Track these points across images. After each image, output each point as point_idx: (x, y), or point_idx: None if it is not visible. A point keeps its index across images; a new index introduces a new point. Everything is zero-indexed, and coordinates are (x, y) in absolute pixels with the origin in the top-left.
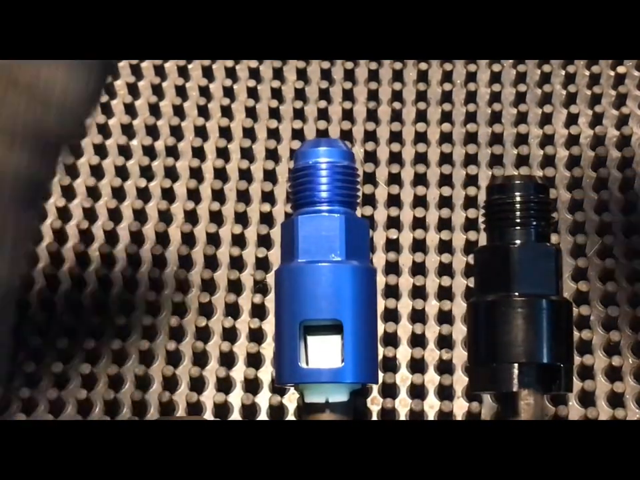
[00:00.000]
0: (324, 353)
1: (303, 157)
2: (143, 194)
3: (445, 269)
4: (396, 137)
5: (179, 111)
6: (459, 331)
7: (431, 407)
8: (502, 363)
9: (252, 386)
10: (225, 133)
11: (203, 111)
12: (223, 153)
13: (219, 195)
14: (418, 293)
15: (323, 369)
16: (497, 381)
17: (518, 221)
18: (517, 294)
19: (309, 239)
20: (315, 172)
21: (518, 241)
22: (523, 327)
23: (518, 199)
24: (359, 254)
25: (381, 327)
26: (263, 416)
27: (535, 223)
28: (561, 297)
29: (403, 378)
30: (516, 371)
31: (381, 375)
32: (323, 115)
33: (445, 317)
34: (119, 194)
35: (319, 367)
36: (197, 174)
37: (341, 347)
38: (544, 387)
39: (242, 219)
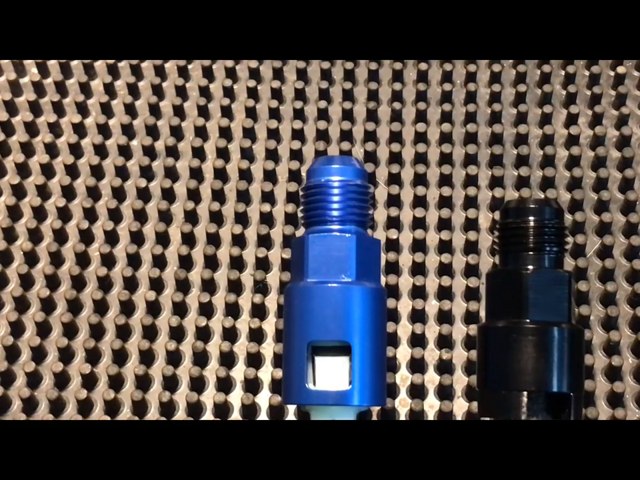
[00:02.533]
0: (331, 374)
1: (314, 174)
2: (143, 194)
3: (445, 269)
4: (396, 137)
5: (179, 111)
6: (459, 331)
7: (431, 406)
8: (511, 391)
9: (252, 386)
10: (225, 132)
11: (203, 111)
12: (223, 153)
13: (218, 195)
14: (418, 292)
15: (330, 390)
16: (505, 408)
17: (532, 246)
18: (528, 321)
19: (319, 258)
20: (327, 190)
21: (531, 267)
22: (534, 355)
23: (532, 223)
24: (369, 274)
25: None
26: (262, 416)
27: (548, 249)
28: (572, 324)
29: (403, 378)
30: (525, 399)
31: None
32: (323, 115)
33: (444, 317)
34: (118, 194)
35: (326, 388)
36: (196, 174)
37: (349, 368)
38: (553, 415)
39: (242, 218)
